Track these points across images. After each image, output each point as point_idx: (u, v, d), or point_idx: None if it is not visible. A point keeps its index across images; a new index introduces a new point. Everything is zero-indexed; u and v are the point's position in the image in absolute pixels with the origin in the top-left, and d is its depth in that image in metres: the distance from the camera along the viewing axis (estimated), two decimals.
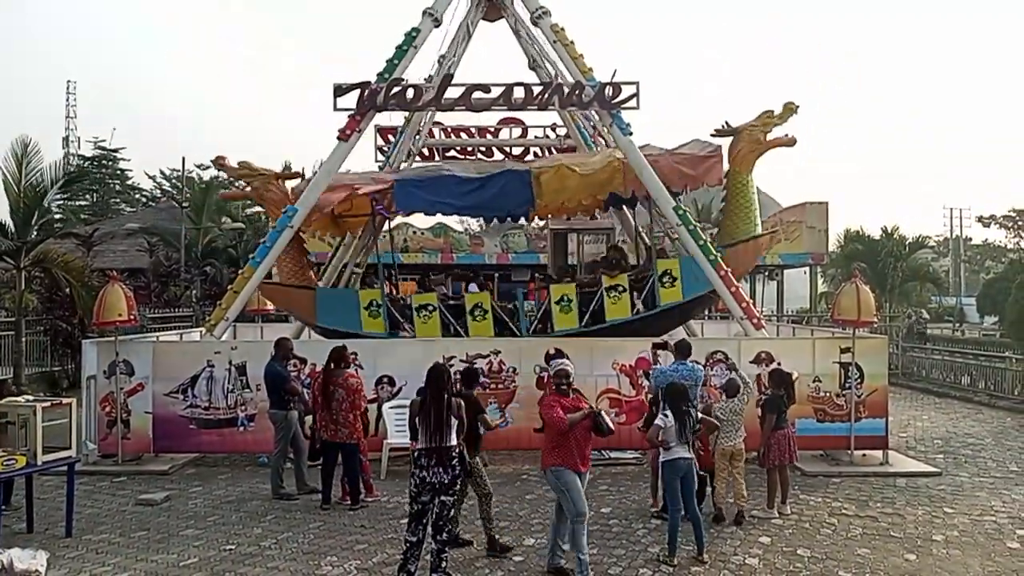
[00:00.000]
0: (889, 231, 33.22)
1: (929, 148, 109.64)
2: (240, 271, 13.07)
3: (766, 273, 32.47)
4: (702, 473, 9.07)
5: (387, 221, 15.23)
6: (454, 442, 6.98)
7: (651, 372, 10.11)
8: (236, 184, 14.99)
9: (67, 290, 18.82)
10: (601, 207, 15.34)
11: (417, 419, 7.01)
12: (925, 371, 23.12)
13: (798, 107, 13.58)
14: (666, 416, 7.95)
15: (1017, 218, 68.11)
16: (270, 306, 16.31)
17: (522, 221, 17.08)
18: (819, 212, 28.41)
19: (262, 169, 14.00)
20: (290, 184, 14.39)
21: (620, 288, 13.29)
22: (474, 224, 35.06)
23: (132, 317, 12.03)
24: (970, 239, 73.58)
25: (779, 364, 11.54)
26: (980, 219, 69.16)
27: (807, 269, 35.29)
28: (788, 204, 31.03)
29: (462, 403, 7.22)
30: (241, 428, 11.84)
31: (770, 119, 13.60)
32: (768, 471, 9.49)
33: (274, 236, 12.94)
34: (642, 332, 12.75)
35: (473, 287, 14.62)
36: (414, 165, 16.25)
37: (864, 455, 11.97)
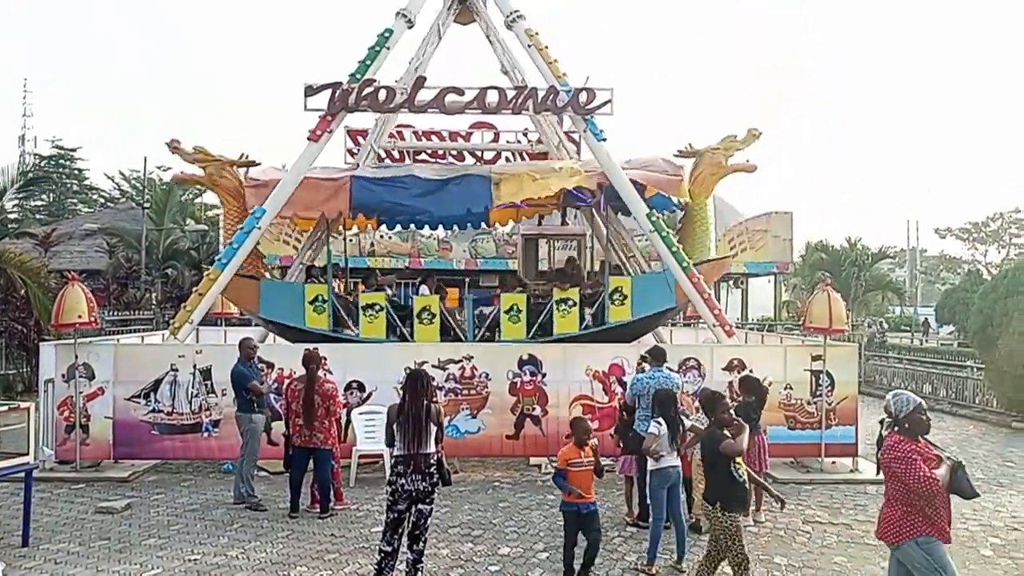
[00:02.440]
0: (852, 242, 33.66)
1: (888, 160, 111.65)
2: (205, 273, 12.75)
3: (731, 282, 32.71)
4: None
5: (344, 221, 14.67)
6: (432, 449, 6.80)
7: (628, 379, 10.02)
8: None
9: (23, 291, 18.27)
10: (558, 204, 15.14)
11: (395, 425, 6.82)
12: (887, 379, 23.41)
13: (761, 133, 13.69)
14: (659, 424, 7.82)
15: (972, 230, 69.80)
16: (234, 309, 15.95)
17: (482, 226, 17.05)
18: (784, 222, 28.67)
19: (217, 155, 13.63)
20: (253, 172, 13.74)
21: (571, 302, 13.08)
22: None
23: (93, 319, 11.68)
24: (925, 250, 75.24)
25: (750, 371, 11.60)
26: (936, 231, 70.86)
27: (771, 278, 35.70)
28: (753, 214, 31.30)
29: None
30: (205, 434, 11.52)
31: (733, 143, 13.58)
32: None
33: (241, 237, 12.64)
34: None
35: (424, 289, 14.14)
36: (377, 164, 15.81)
37: (834, 462, 12.03)
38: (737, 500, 6.53)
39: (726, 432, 6.68)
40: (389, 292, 14.84)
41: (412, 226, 16.23)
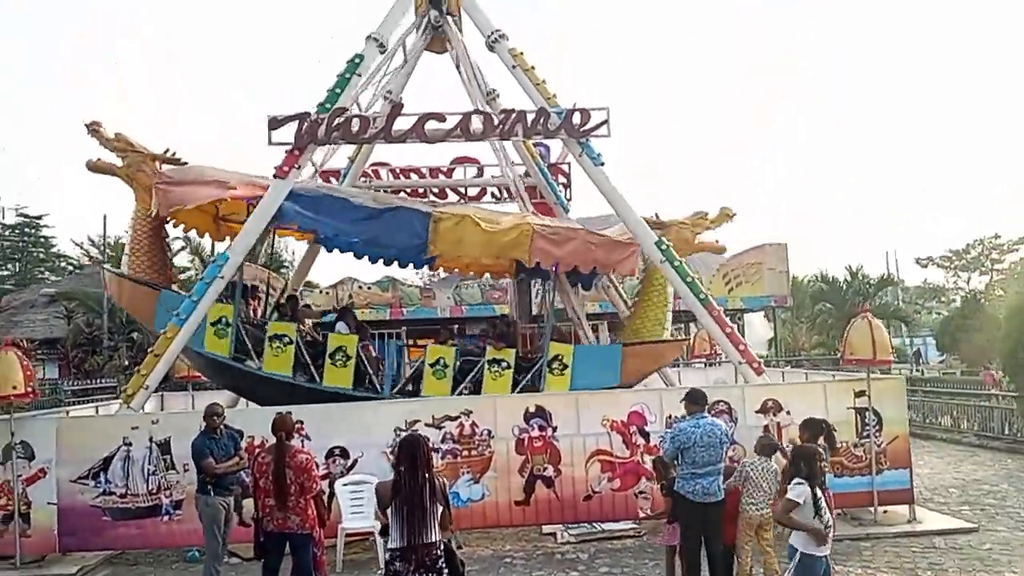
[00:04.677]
0: (854, 271, 32.62)
1: (868, 191, 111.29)
2: (162, 331, 11.25)
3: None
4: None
5: (269, 233, 13.33)
6: (438, 536, 5.31)
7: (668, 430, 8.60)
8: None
9: None
10: (511, 273, 13.94)
11: (389, 510, 5.33)
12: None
13: (735, 214, 12.81)
14: (802, 485, 6.20)
15: (954, 258, 69.38)
16: None
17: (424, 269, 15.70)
18: (779, 253, 27.69)
19: (140, 146, 12.14)
20: (167, 169, 12.27)
21: (504, 364, 11.68)
22: (416, 278, 33.33)
23: (30, 389, 10.11)
24: (903, 280, 74.76)
25: (787, 412, 10.32)
26: (918, 260, 70.38)
27: (764, 313, 34.53)
28: (743, 247, 30.28)
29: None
30: (165, 517, 9.91)
31: (703, 220, 12.64)
32: None
33: (201, 289, 11.17)
34: None
35: (342, 326, 12.39)
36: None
37: (885, 511, 10.63)
38: None
39: None
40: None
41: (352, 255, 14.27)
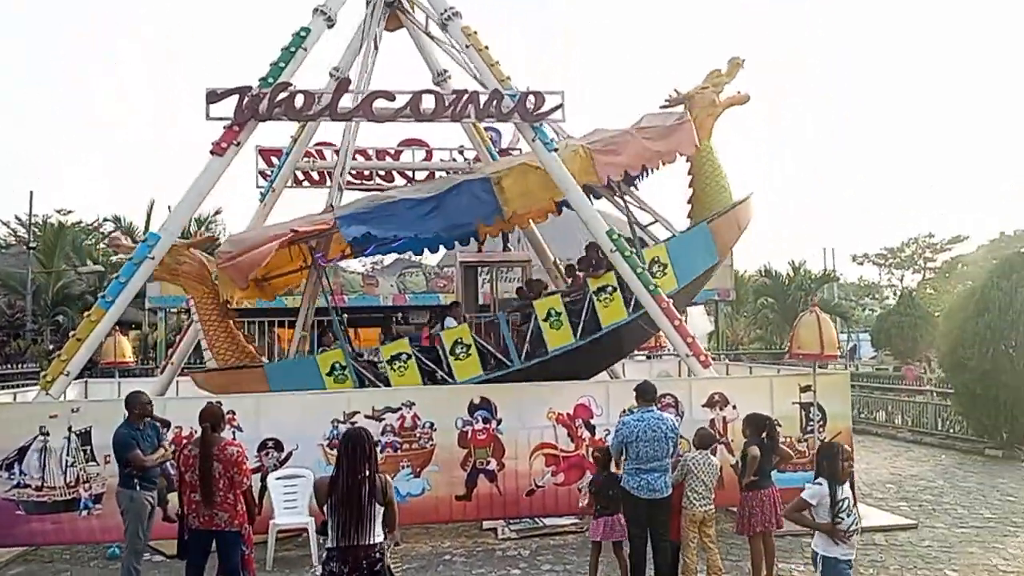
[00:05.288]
0: (796, 266, 32.99)
1: (800, 187, 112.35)
2: (86, 315, 10.62)
3: None
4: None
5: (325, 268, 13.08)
6: (379, 538, 4.98)
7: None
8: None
9: None
10: (554, 208, 13.53)
11: (326, 507, 4.97)
12: None
13: (744, 60, 12.54)
14: (820, 484, 5.87)
15: (888, 255, 71.17)
16: (129, 357, 13.71)
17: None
18: None
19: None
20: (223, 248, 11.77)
21: (610, 288, 11.46)
22: (357, 265, 32.62)
23: None
24: (839, 276, 76.45)
25: (734, 407, 10.23)
26: (854, 257, 71.98)
27: (703, 307, 34.79)
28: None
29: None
30: (84, 512, 9.35)
31: (720, 77, 12.41)
32: (750, 539, 7.93)
33: (129, 270, 10.57)
34: (645, 333, 12.05)
35: (450, 321, 12.55)
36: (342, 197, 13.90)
37: None
38: None
39: None
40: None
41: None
